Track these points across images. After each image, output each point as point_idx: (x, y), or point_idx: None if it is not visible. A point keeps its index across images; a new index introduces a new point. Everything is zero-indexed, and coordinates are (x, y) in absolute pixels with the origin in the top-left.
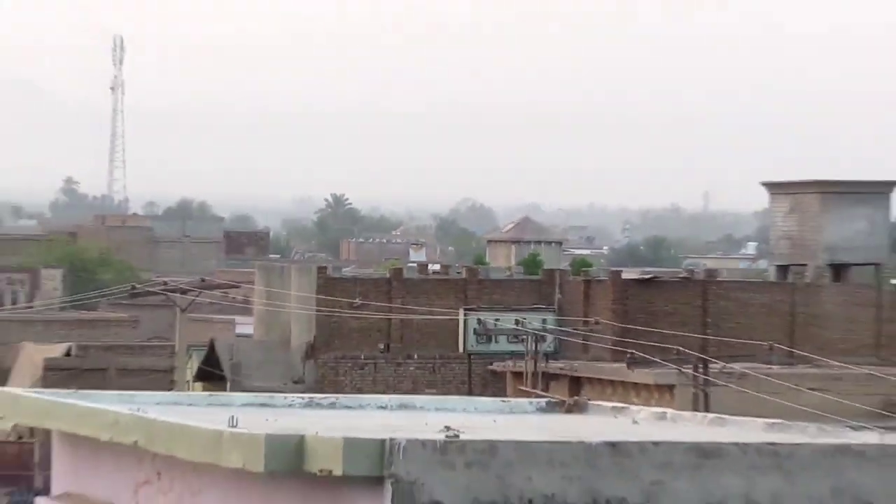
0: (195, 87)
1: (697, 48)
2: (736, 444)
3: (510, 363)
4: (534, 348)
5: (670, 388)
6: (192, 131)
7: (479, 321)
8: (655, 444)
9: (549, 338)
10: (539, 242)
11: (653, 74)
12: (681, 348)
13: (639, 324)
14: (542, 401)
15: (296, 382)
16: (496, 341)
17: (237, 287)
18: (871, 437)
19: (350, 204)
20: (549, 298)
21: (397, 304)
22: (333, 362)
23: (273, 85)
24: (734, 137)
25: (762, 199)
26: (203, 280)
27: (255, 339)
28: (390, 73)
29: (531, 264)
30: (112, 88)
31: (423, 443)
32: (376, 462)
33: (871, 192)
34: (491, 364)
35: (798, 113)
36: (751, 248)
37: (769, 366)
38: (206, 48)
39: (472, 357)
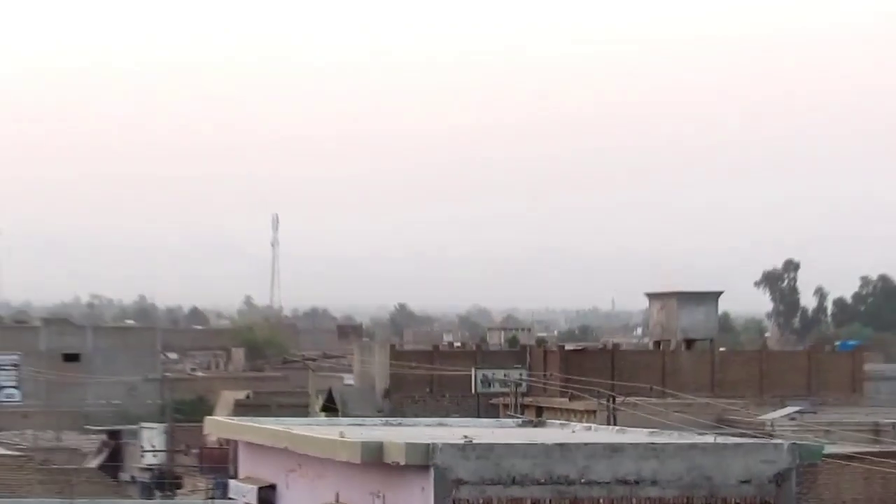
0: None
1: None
2: (631, 443)
3: (501, 399)
4: (515, 390)
5: (593, 412)
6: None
7: (483, 375)
8: (585, 444)
9: (524, 385)
10: (516, 329)
11: None
12: (599, 389)
13: (574, 374)
14: (520, 420)
15: (378, 412)
16: (493, 386)
17: (343, 357)
18: (708, 439)
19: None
20: (523, 361)
21: (437, 366)
22: (400, 399)
23: None
24: (621, 267)
25: (644, 302)
26: (324, 354)
27: (355, 386)
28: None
29: (513, 342)
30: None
31: (451, 444)
32: (424, 456)
33: (706, 297)
34: (490, 399)
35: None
36: (638, 331)
37: (650, 398)
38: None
39: (479, 395)
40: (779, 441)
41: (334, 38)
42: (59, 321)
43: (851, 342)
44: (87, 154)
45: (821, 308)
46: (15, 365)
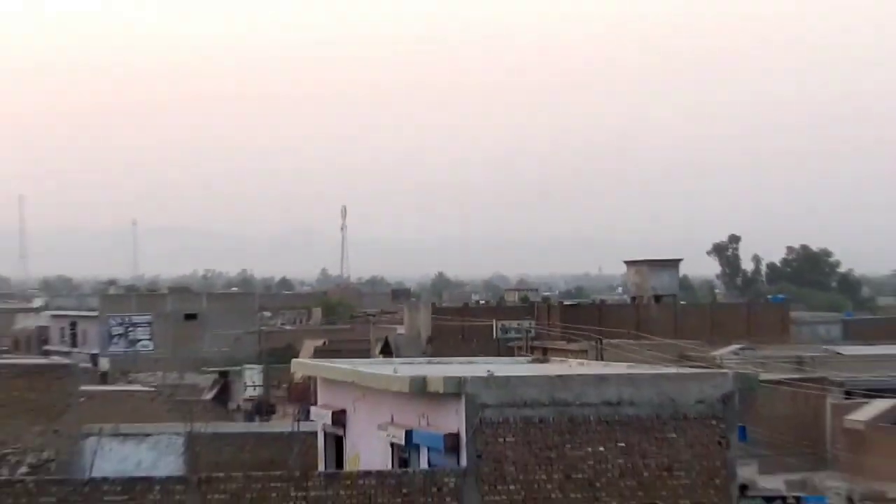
0: None
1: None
2: (613, 374)
3: (515, 343)
4: (526, 336)
5: (585, 352)
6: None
7: (502, 325)
8: (579, 375)
9: (532, 332)
10: (527, 290)
11: None
12: (590, 334)
13: (571, 324)
14: (529, 358)
15: (423, 354)
16: (510, 334)
17: (396, 313)
18: (672, 370)
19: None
20: (532, 314)
21: (467, 319)
22: (439, 345)
23: None
24: (612, 237)
25: (624, 269)
26: (382, 311)
27: (405, 335)
28: None
29: (524, 300)
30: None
31: (477, 377)
32: (457, 386)
33: (669, 264)
34: (508, 343)
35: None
36: (619, 290)
37: (628, 341)
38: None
39: (499, 341)
40: (725, 371)
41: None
42: (181, 289)
43: (780, 296)
44: (204, 157)
45: (757, 271)
46: (148, 323)
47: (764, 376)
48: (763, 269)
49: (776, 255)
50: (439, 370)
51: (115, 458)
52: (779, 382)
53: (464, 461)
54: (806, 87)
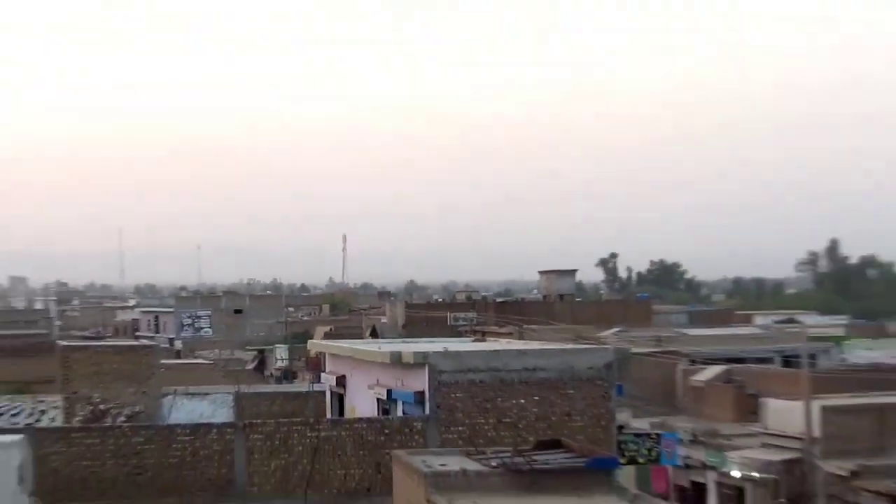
0: None
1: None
2: (531, 349)
3: (464, 328)
4: (470, 324)
5: (511, 333)
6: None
7: (454, 315)
8: (506, 349)
9: (474, 320)
10: (471, 291)
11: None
12: (515, 322)
13: (502, 314)
14: (473, 339)
15: (399, 336)
16: (459, 322)
17: (381, 308)
18: (570, 346)
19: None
20: (475, 308)
21: (431, 311)
22: (410, 330)
23: None
24: (529, 252)
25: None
26: (371, 307)
27: (387, 323)
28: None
29: (469, 299)
30: None
31: (437, 351)
32: (423, 358)
33: (569, 273)
34: (458, 328)
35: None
36: (535, 291)
37: (541, 326)
38: None
39: (452, 327)
40: (607, 346)
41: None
42: (231, 293)
43: (645, 295)
44: (247, 190)
45: (629, 278)
46: (208, 316)
47: (634, 350)
48: (633, 276)
49: (642, 266)
50: (410, 347)
51: (185, 410)
52: (644, 354)
53: (427, 410)
54: (645, 132)
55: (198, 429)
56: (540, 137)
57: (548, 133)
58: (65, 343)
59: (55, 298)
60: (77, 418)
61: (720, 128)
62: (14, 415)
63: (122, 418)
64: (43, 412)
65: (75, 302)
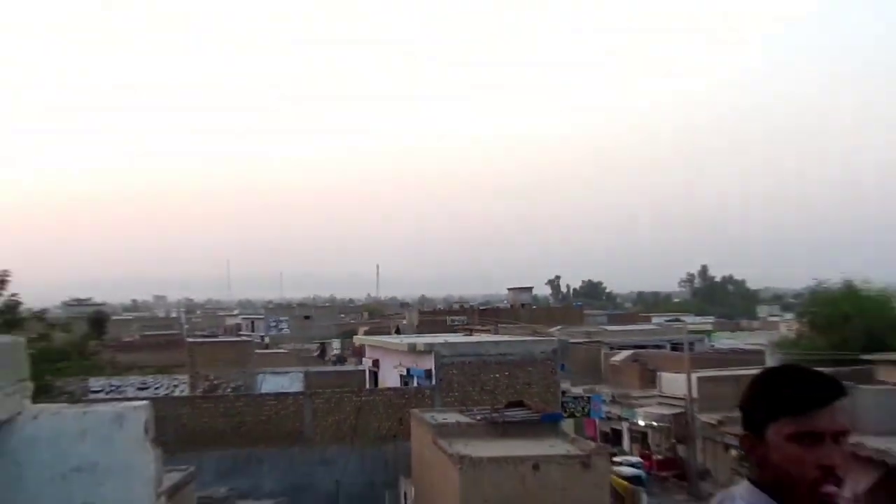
0: None
1: None
2: (503, 341)
3: (457, 326)
4: (462, 324)
5: (489, 330)
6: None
7: (451, 319)
8: (487, 340)
9: (465, 321)
10: (462, 303)
11: None
12: (493, 322)
13: (483, 318)
14: (464, 334)
15: (415, 333)
16: (455, 323)
17: (402, 315)
18: (530, 338)
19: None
20: (465, 314)
21: (436, 316)
22: (422, 328)
23: None
24: (501, 274)
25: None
26: (395, 313)
27: (407, 324)
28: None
29: (462, 307)
30: None
31: (441, 342)
32: (430, 348)
33: (526, 289)
34: (454, 327)
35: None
36: (506, 301)
37: (511, 324)
38: None
39: (450, 326)
40: (554, 339)
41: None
42: (302, 305)
43: (579, 304)
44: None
45: (568, 292)
46: (287, 320)
47: (571, 340)
48: (571, 291)
49: (577, 284)
50: (422, 340)
51: (270, 383)
52: (578, 343)
53: (434, 382)
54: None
55: (279, 396)
56: (502, 186)
57: (507, 182)
58: (190, 339)
59: (184, 309)
60: (198, 390)
61: (627, 177)
62: (156, 388)
63: (229, 389)
64: (176, 386)
65: (198, 312)
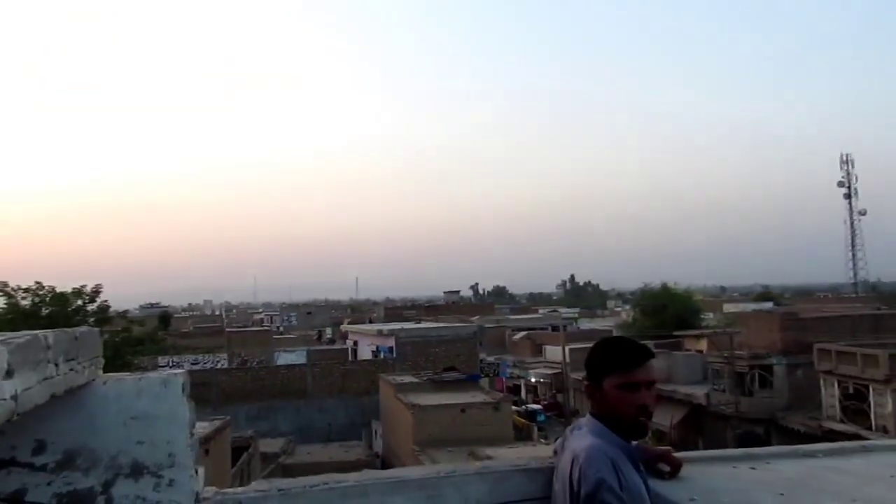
0: None
1: None
2: (442, 326)
3: (412, 317)
4: (415, 316)
5: (433, 319)
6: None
7: (407, 314)
8: (430, 327)
9: (416, 314)
10: (412, 302)
11: None
12: (434, 315)
13: (430, 310)
14: (415, 322)
15: (384, 322)
16: (412, 314)
17: (375, 312)
18: (459, 324)
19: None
20: (417, 310)
21: (397, 311)
22: (386, 319)
23: None
24: (439, 286)
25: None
26: (371, 311)
27: (377, 317)
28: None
29: (414, 305)
30: None
31: (400, 329)
32: (392, 332)
33: (456, 292)
34: (409, 318)
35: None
36: (442, 301)
37: (451, 317)
38: None
39: (407, 318)
40: (474, 324)
41: None
42: (305, 304)
43: (490, 301)
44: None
45: (485, 294)
46: (295, 315)
47: (486, 325)
48: (486, 293)
49: (489, 287)
50: (387, 327)
51: (284, 358)
52: (491, 327)
53: (395, 355)
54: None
55: (290, 367)
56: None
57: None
58: (228, 330)
59: (225, 309)
60: (234, 364)
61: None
62: (204, 364)
63: (255, 363)
64: (218, 361)
65: (234, 311)
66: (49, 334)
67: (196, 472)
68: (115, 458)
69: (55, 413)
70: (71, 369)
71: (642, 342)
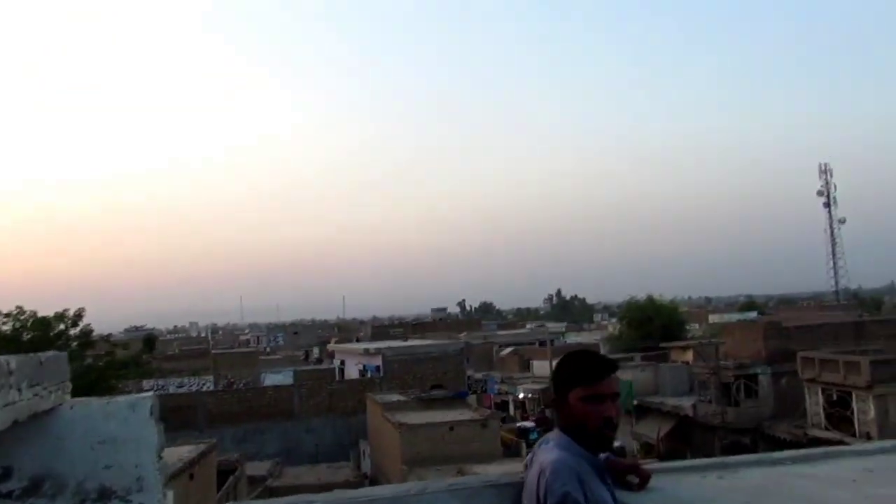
0: None
1: None
2: (429, 343)
3: (397, 335)
4: (402, 333)
5: (420, 336)
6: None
7: (393, 331)
8: (417, 344)
9: (403, 332)
10: (399, 321)
11: None
12: (420, 332)
13: (417, 328)
14: (403, 341)
15: (370, 341)
16: (396, 333)
17: (361, 331)
18: (448, 341)
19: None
20: (403, 328)
21: (383, 330)
22: (373, 338)
23: None
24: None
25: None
26: (359, 331)
27: (364, 336)
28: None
29: (400, 323)
30: None
31: (386, 347)
32: (379, 351)
33: (443, 309)
34: (394, 335)
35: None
36: (429, 318)
37: (437, 333)
38: None
39: (395, 336)
40: (461, 340)
41: None
42: (292, 324)
43: (477, 317)
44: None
45: (471, 310)
46: (282, 335)
47: (473, 342)
48: (473, 309)
49: (476, 304)
50: (373, 345)
51: (271, 379)
52: (478, 344)
53: (382, 374)
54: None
55: (276, 388)
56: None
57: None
58: (214, 351)
59: (210, 331)
60: (219, 386)
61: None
62: (189, 385)
63: (242, 384)
64: (204, 384)
65: (220, 332)
66: (11, 359)
67: (165, 495)
68: (83, 483)
69: (20, 439)
70: (35, 394)
71: (630, 353)
